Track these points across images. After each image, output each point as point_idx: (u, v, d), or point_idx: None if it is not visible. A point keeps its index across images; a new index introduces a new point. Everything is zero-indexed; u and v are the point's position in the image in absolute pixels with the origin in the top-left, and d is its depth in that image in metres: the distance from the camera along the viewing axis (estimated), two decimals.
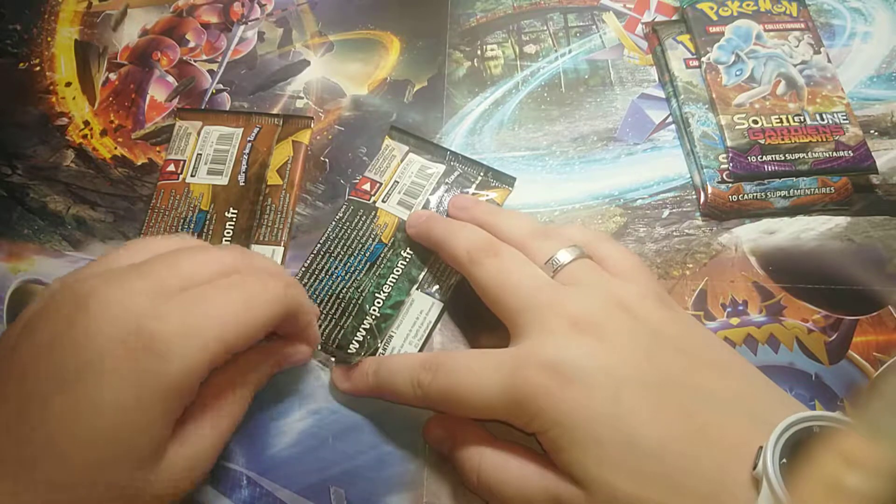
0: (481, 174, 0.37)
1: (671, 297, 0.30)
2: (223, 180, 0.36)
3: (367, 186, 0.36)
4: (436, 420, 0.30)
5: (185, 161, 0.37)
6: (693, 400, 0.24)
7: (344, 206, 0.36)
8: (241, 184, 0.36)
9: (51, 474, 0.21)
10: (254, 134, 0.38)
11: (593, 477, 0.24)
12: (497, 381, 0.26)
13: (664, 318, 0.27)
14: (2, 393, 0.22)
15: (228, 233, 0.35)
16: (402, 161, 0.37)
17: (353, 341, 0.32)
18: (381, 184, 0.36)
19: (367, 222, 0.35)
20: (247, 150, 0.37)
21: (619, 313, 0.26)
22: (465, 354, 0.28)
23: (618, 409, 0.24)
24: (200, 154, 0.37)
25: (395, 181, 0.36)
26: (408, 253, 0.34)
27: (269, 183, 0.37)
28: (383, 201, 0.36)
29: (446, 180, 0.36)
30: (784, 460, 0.21)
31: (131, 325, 0.22)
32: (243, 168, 0.37)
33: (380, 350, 0.32)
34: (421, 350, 0.33)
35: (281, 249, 0.35)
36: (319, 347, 0.33)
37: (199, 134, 0.38)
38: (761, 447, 0.22)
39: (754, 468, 0.22)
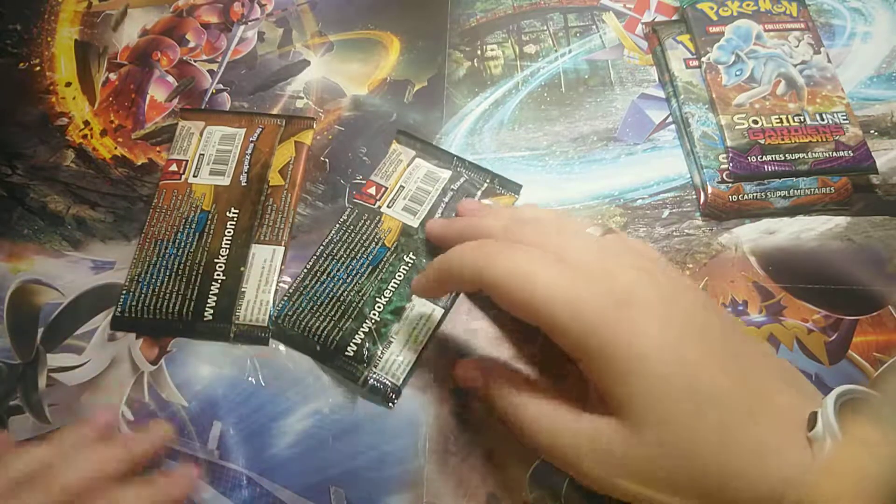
0: (487, 181, 0.37)
1: None
2: (225, 180, 0.36)
3: (372, 190, 0.36)
4: (467, 361, 0.30)
5: (187, 161, 0.37)
6: (746, 363, 0.24)
7: (348, 210, 0.36)
8: (243, 184, 0.36)
9: None
10: (256, 134, 0.38)
11: (646, 413, 0.22)
12: (578, 294, 0.24)
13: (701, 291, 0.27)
14: None
15: (229, 233, 0.35)
16: (408, 166, 0.37)
17: (351, 343, 0.32)
18: (386, 188, 0.36)
19: (371, 226, 0.35)
20: (249, 151, 0.37)
21: (671, 273, 0.26)
22: (541, 256, 0.26)
23: (682, 350, 0.23)
24: (203, 154, 0.37)
25: (401, 186, 0.36)
26: (410, 258, 0.34)
27: (270, 183, 0.37)
28: (388, 206, 0.36)
29: (452, 186, 0.36)
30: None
31: None
32: (245, 168, 0.37)
33: (378, 355, 0.32)
34: (419, 356, 0.33)
35: (282, 249, 0.35)
36: (318, 349, 0.33)
37: (201, 134, 0.38)
38: (814, 412, 0.22)
39: (810, 429, 0.22)
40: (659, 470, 0.23)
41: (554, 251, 0.25)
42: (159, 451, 0.31)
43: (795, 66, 0.40)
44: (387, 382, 0.32)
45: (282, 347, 0.33)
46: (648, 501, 0.23)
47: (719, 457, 0.22)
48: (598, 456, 0.23)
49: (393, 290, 0.33)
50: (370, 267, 0.34)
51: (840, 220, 0.37)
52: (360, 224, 0.35)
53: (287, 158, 0.38)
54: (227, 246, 0.34)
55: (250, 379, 0.32)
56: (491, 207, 0.34)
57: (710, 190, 0.37)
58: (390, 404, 0.32)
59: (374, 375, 0.32)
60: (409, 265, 0.34)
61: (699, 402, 0.22)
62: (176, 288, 0.33)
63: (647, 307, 0.24)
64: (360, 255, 0.34)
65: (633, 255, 0.26)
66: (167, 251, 0.34)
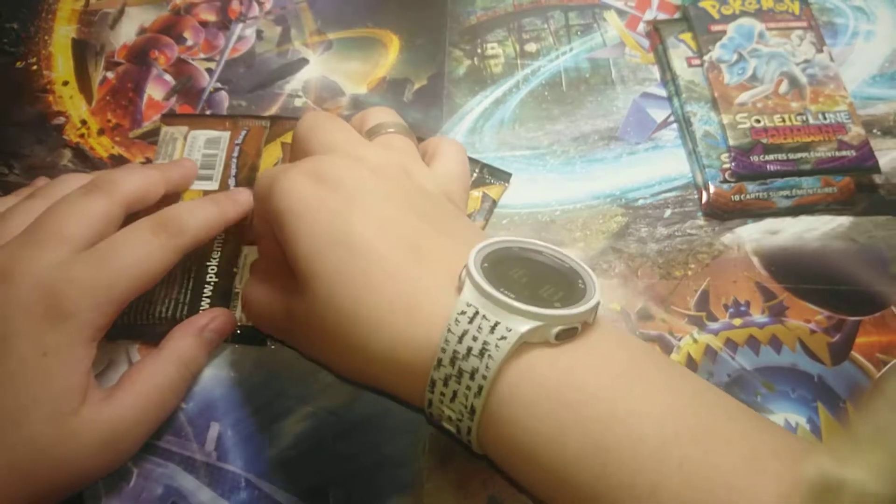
0: (476, 170, 0.37)
1: (672, 297, 0.31)
2: (213, 185, 0.36)
3: None
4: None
5: None
6: (424, 224, 0.25)
7: None
8: (232, 188, 0.36)
9: None
10: (241, 137, 0.38)
11: (301, 266, 0.24)
12: (268, 175, 0.27)
13: (440, 198, 0.28)
14: None
15: (220, 236, 0.34)
16: None
17: None
18: None
19: None
20: (235, 154, 0.37)
21: (403, 171, 0.28)
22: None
23: (344, 208, 0.24)
24: (188, 158, 0.37)
25: None
26: None
27: None
28: None
29: None
30: (486, 265, 0.23)
31: (34, 295, 0.24)
32: (233, 172, 0.36)
33: None
34: None
35: None
36: None
37: (185, 139, 0.38)
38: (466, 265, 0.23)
39: (459, 279, 0.23)
40: (315, 325, 0.25)
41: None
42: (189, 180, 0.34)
43: (798, 64, 0.39)
44: None
45: (280, 347, 0.33)
46: (324, 361, 0.28)
47: (358, 305, 0.23)
48: (293, 325, 0.27)
49: None
50: None
51: (843, 220, 0.36)
52: None
53: (274, 160, 0.37)
54: (219, 248, 0.34)
55: (249, 380, 0.32)
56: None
57: (712, 189, 0.36)
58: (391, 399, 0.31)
59: None
60: None
61: (351, 249, 0.24)
62: (168, 292, 0.33)
63: (341, 189, 0.25)
64: None
65: (380, 154, 0.28)
66: None
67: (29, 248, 0.26)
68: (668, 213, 0.37)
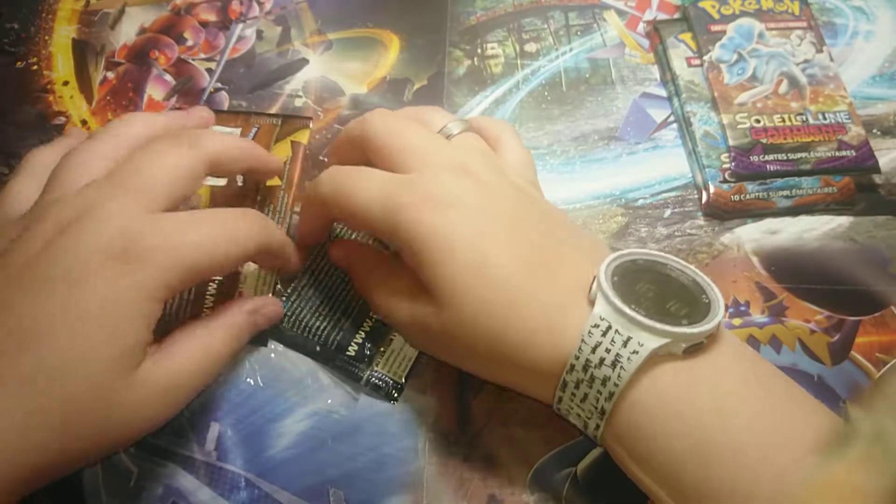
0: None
1: None
2: (221, 181, 0.36)
3: None
4: (339, 241, 0.34)
5: None
6: (550, 241, 0.27)
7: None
8: (240, 185, 0.36)
9: (32, 371, 0.22)
10: (252, 134, 0.38)
11: (444, 293, 0.26)
12: (382, 194, 0.27)
13: (532, 190, 0.30)
14: None
15: None
16: None
17: (353, 342, 0.32)
18: None
19: None
20: None
21: (496, 174, 0.29)
22: (367, 168, 0.29)
23: (479, 237, 0.26)
24: None
25: None
26: None
27: (267, 184, 0.36)
28: None
29: None
30: (615, 278, 0.25)
31: (117, 239, 0.24)
32: None
33: (379, 353, 0.32)
34: (419, 355, 0.32)
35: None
36: (318, 349, 0.32)
37: None
38: (595, 276, 0.25)
39: (590, 292, 0.25)
40: (460, 342, 0.27)
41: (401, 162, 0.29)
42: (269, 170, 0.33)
43: (798, 64, 0.39)
44: (389, 380, 0.32)
45: (280, 348, 0.33)
46: (462, 367, 0.29)
47: (507, 329, 0.25)
48: (421, 331, 0.28)
49: None
50: None
51: (843, 220, 0.36)
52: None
53: (283, 158, 0.37)
54: None
55: (248, 380, 0.32)
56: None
57: (712, 189, 0.36)
58: (393, 402, 0.31)
59: (377, 374, 0.32)
60: None
61: (487, 280, 0.25)
62: None
63: (462, 209, 0.26)
64: None
65: (476, 153, 0.29)
66: None
67: (115, 194, 0.25)
68: (667, 213, 0.37)
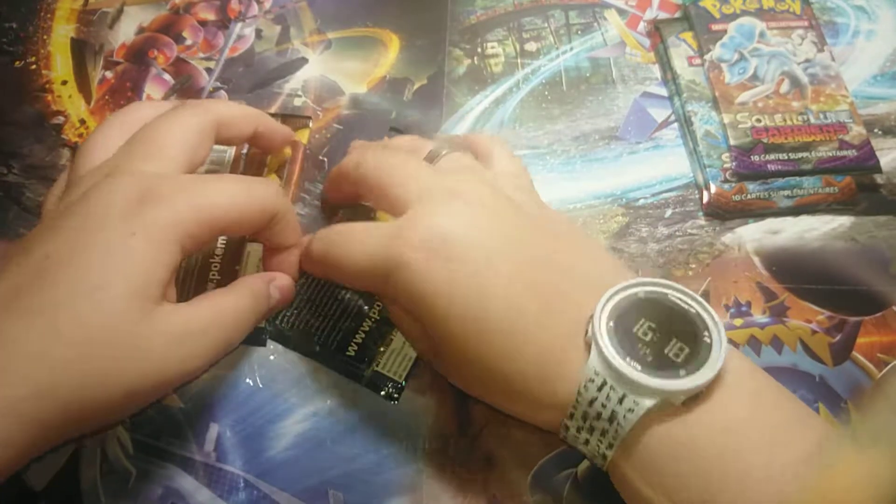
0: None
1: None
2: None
3: None
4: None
5: None
6: (549, 275, 0.26)
7: (342, 210, 0.36)
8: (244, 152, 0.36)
9: (52, 299, 0.23)
10: None
11: (443, 345, 0.27)
12: (372, 254, 0.27)
13: (527, 199, 0.30)
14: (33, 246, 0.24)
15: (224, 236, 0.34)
16: None
17: (352, 343, 0.32)
18: None
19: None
20: (245, 151, 0.36)
21: (490, 190, 0.28)
22: (355, 226, 0.29)
23: (479, 281, 0.26)
24: None
25: None
26: None
27: (270, 177, 0.36)
28: None
29: None
30: (611, 323, 0.24)
31: (135, 187, 0.25)
32: (241, 170, 0.36)
33: (378, 354, 0.32)
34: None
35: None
36: (318, 349, 0.32)
37: None
38: (591, 318, 0.24)
39: (586, 335, 0.25)
40: (461, 383, 0.28)
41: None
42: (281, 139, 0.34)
43: (799, 64, 0.39)
44: (389, 381, 0.32)
45: (280, 349, 0.33)
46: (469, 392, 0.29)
47: (505, 377, 0.26)
48: (439, 358, 0.29)
49: None
50: None
51: (844, 220, 0.36)
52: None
53: (283, 158, 0.37)
54: (223, 245, 0.34)
55: (248, 381, 0.32)
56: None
57: (713, 189, 0.36)
58: (393, 402, 0.31)
59: (377, 374, 0.32)
60: None
61: (488, 325, 0.25)
62: None
63: (459, 252, 0.26)
64: None
65: (468, 174, 0.29)
66: None
67: (132, 158, 0.27)
68: (668, 212, 0.37)
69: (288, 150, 0.37)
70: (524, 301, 0.26)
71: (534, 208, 0.30)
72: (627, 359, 0.23)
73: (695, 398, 0.24)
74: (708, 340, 0.24)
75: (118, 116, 0.30)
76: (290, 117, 0.38)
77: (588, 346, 0.24)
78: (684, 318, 0.24)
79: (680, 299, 0.25)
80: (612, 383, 0.23)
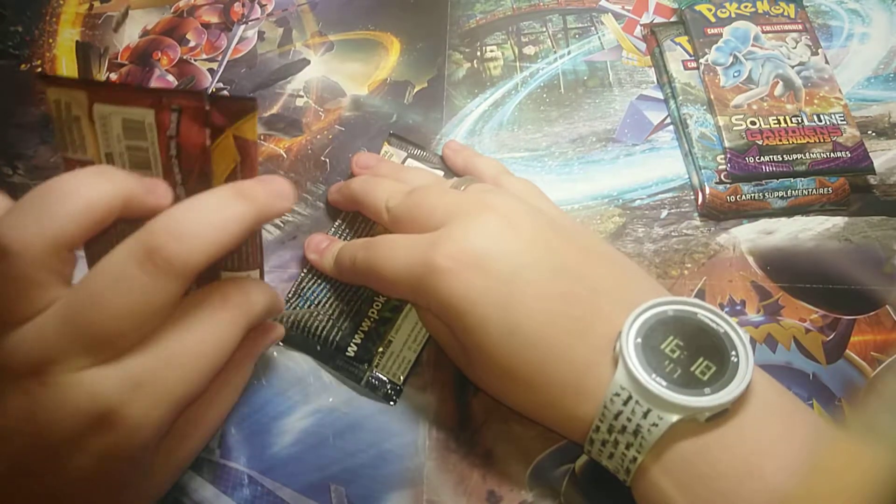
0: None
1: None
2: None
3: None
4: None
5: (91, 163, 0.24)
6: (581, 289, 0.27)
7: (344, 212, 0.36)
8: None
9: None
10: (173, 124, 0.23)
11: (475, 357, 0.27)
12: (408, 261, 0.28)
13: (557, 212, 0.31)
14: None
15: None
16: None
17: (352, 343, 0.32)
18: None
19: (368, 226, 0.35)
20: (174, 151, 0.24)
21: (521, 203, 0.29)
22: (396, 236, 0.30)
23: (512, 291, 0.26)
24: (110, 154, 0.24)
25: None
26: None
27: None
28: None
29: None
30: (639, 339, 0.24)
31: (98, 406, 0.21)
32: (179, 180, 0.24)
33: (378, 354, 0.32)
34: (420, 355, 0.33)
35: (256, 273, 0.28)
36: (318, 349, 0.33)
37: (90, 118, 0.23)
38: (619, 339, 0.25)
39: (615, 350, 0.25)
40: (489, 391, 0.29)
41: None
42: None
43: (793, 67, 0.40)
44: (388, 382, 0.32)
45: (283, 347, 0.33)
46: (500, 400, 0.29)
47: (535, 389, 0.26)
48: (470, 367, 0.29)
49: None
50: None
51: (838, 221, 0.37)
52: (357, 223, 0.35)
53: (230, 164, 0.24)
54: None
55: (252, 379, 0.32)
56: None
57: (708, 190, 0.37)
58: (391, 403, 0.32)
59: (376, 375, 0.32)
60: None
61: (518, 341, 0.26)
62: None
63: (494, 264, 0.26)
64: None
65: (498, 193, 0.30)
66: None
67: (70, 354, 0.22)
68: (664, 213, 0.37)
69: (235, 155, 0.24)
70: (556, 315, 0.26)
71: (566, 220, 0.30)
72: (653, 375, 0.24)
73: (720, 416, 0.24)
74: (735, 360, 0.24)
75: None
76: (224, 99, 0.23)
77: (616, 361, 0.25)
78: (712, 337, 0.25)
79: (709, 318, 0.25)
80: (638, 398, 0.24)
